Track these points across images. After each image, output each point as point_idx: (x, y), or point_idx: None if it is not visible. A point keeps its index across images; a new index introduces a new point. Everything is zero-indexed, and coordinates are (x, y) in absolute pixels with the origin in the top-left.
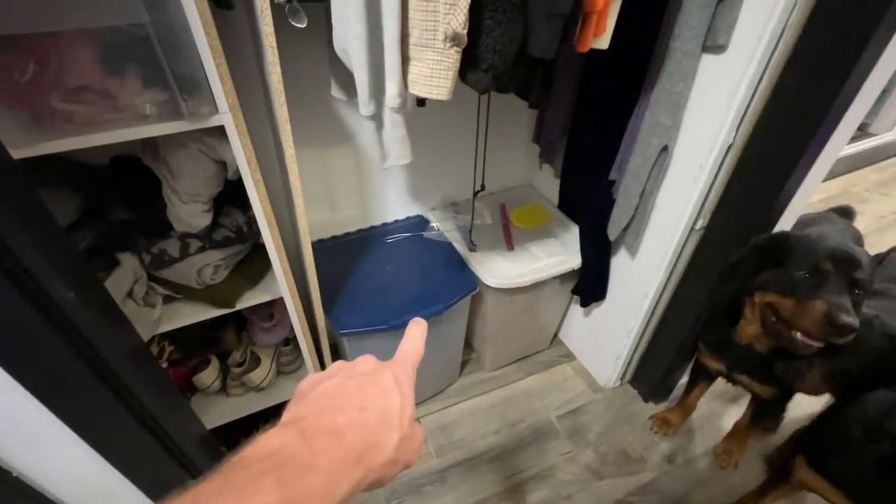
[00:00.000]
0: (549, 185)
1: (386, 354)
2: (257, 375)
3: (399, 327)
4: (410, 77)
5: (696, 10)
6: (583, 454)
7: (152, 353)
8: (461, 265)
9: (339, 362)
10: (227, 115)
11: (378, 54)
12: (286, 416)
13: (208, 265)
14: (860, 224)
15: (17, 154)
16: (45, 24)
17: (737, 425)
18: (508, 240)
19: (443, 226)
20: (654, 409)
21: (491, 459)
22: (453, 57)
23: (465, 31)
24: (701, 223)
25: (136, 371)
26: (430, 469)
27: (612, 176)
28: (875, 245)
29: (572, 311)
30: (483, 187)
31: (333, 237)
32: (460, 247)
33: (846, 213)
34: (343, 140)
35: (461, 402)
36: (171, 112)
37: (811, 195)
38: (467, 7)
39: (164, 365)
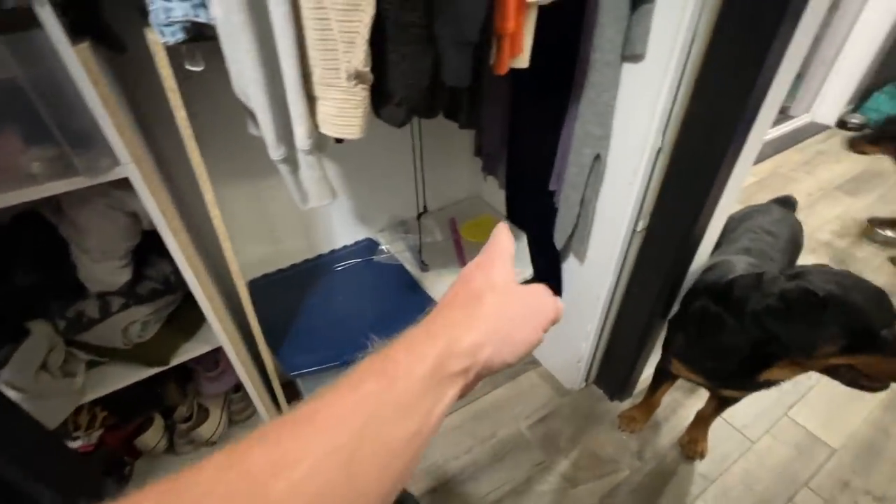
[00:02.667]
0: (496, 196)
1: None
2: (206, 429)
3: (352, 362)
4: (319, 117)
5: (612, 22)
6: (556, 462)
7: (79, 423)
8: (414, 287)
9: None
10: (129, 166)
11: (280, 96)
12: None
13: (135, 322)
14: None
15: None
16: None
17: (699, 414)
18: (460, 255)
19: (393, 247)
20: (620, 406)
21: (465, 481)
22: (360, 94)
23: (368, 69)
24: (642, 225)
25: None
26: (417, 491)
27: (551, 186)
28: (807, 221)
29: None
30: (426, 209)
31: (279, 270)
32: (412, 268)
33: (787, 203)
34: (276, 172)
35: None
36: (65, 168)
37: (741, 185)
38: (365, 44)
39: (99, 432)
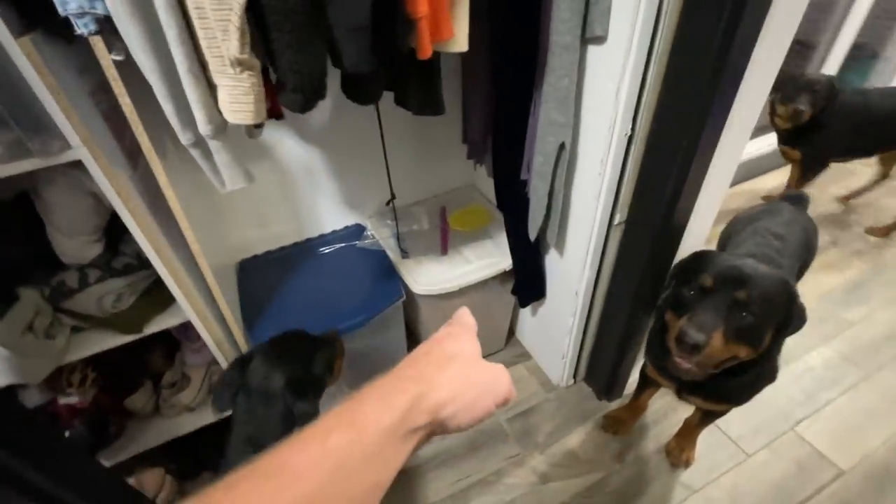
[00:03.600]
0: (489, 184)
1: None
2: (186, 396)
3: None
4: (220, 104)
5: (567, 2)
6: (530, 457)
7: (72, 382)
8: (390, 274)
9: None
10: (81, 149)
11: (178, 84)
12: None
13: (110, 294)
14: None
15: None
16: None
17: (686, 422)
18: (444, 244)
19: (379, 233)
20: (607, 406)
21: (436, 466)
22: (248, 81)
23: (246, 56)
24: (620, 218)
25: None
26: None
27: (522, 175)
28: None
29: (525, 310)
30: (394, 196)
31: (268, 252)
32: (393, 254)
33: (799, 201)
34: (262, 155)
35: None
36: (21, 151)
37: (729, 174)
38: (238, 31)
39: (93, 391)
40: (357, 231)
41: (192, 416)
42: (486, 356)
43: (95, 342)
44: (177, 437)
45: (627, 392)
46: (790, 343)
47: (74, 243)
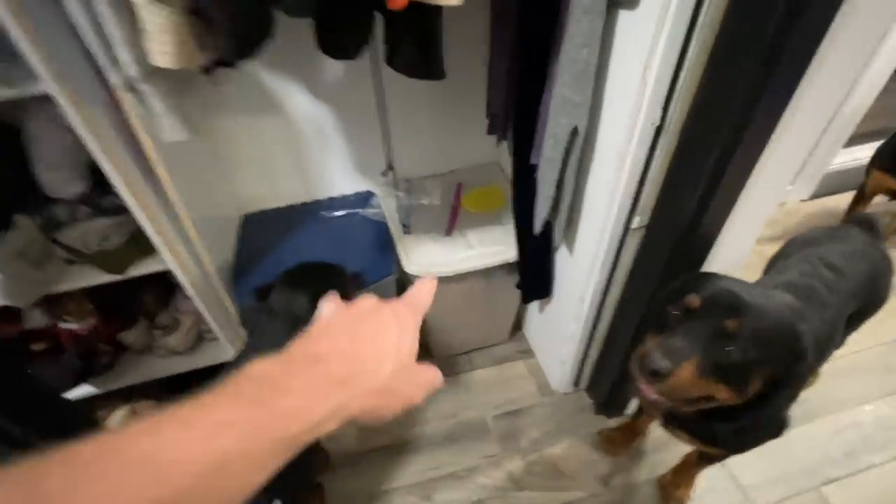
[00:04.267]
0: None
1: None
2: (174, 339)
3: None
4: (145, 44)
5: None
6: (509, 460)
7: (69, 311)
8: (388, 248)
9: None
10: (50, 83)
11: (96, 16)
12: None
13: (96, 232)
14: None
15: None
16: None
17: (686, 457)
18: (451, 224)
19: (386, 204)
20: (604, 422)
21: (411, 450)
22: (168, 18)
23: None
24: (639, 222)
25: None
26: (347, 451)
27: (532, 159)
28: None
29: (533, 305)
30: (391, 167)
31: (275, 209)
32: (395, 228)
33: (868, 224)
34: (269, 108)
35: None
36: None
37: (778, 189)
38: None
39: (92, 321)
40: (366, 198)
41: (180, 359)
42: (484, 348)
43: (83, 277)
44: (167, 377)
45: (629, 412)
46: (836, 389)
47: (57, 177)
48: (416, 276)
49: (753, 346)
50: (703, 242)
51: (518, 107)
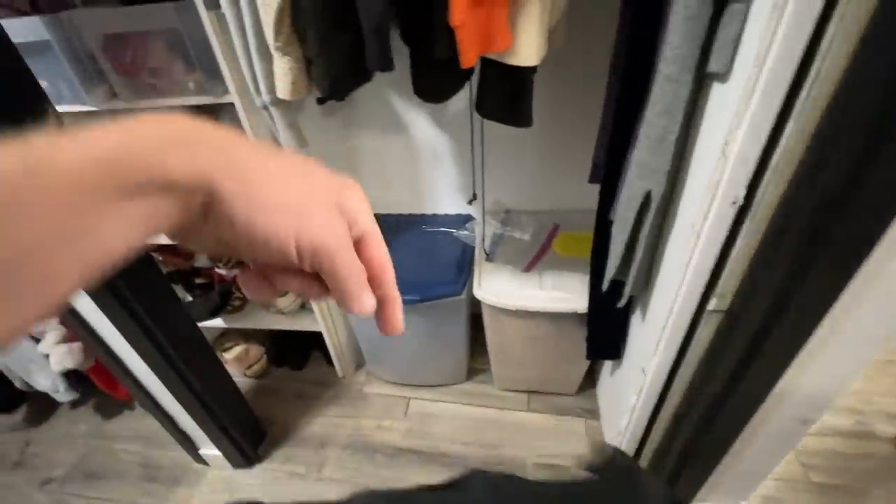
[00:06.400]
0: None
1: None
2: (282, 302)
3: None
4: (275, 80)
5: (680, 23)
6: None
7: (221, 259)
8: (467, 269)
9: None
10: (234, 96)
11: (250, 58)
12: None
13: None
14: None
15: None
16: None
17: None
18: (534, 262)
19: (479, 230)
20: None
21: (444, 464)
22: (288, 64)
23: (281, 44)
24: (716, 304)
25: None
26: (390, 443)
27: (610, 215)
28: None
29: (608, 365)
30: (475, 196)
31: (385, 215)
32: (479, 253)
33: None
34: (396, 129)
35: (453, 403)
36: (203, 89)
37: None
38: (272, 23)
39: (235, 272)
40: (464, 220)
41: (284, 318)
42: (547, 394)
43: None
44: (273, 332)
45: None
46: None
47: None
48: (484, 302)
49: None
50: (789, 342)
51: (608, 162)
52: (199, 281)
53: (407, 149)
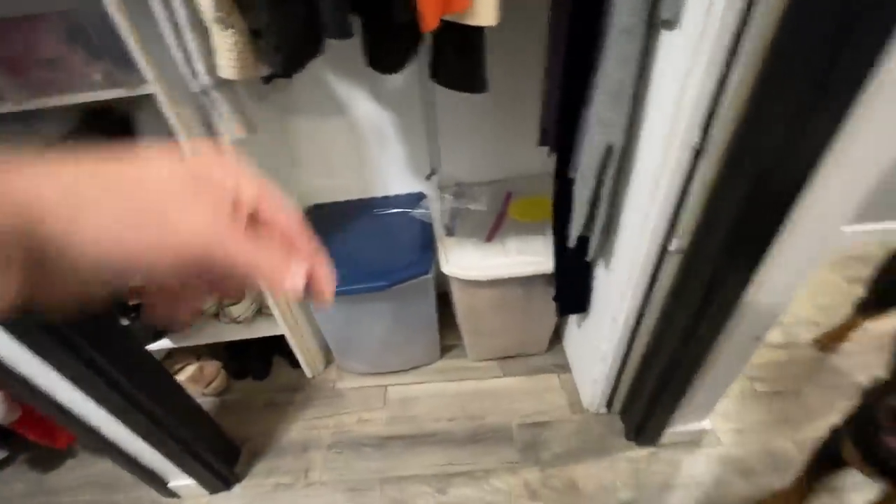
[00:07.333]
0: None
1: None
2: (236, 309)
3: (340, 294)
4: (216, 59)
5: None
6: (527, 469)
7: None
8: (429, 248)
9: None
10: (153, 85)
11: (181, 35)
12: None
13: None
14: None
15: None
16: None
17: None
18: (494, 230)
19: (438, 206)
20: (635, 451)
21: (433, 443)
22: (231, 38)
23: (223, 14)
24: (677, 245)
25: None
26: (374, 433)
27: (570, 173)
28: None
29: (573, 318)
30: (434, 171)
31: (335, 203)
32: (439, 229)
33: None
34: (336, 111)
35: (430, 382)
36: (114, 81)
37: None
38: None
39: None
40: (417, 199)
41: (240, 327)
42: (520, 356)
43: None
44: (229, 343)
45: (666, 441)
46: None
47: None
48: (453, 278)
49: None
50: (744, 272)
51: (561, 122)
52: (133, 302)
53: (350, 130)
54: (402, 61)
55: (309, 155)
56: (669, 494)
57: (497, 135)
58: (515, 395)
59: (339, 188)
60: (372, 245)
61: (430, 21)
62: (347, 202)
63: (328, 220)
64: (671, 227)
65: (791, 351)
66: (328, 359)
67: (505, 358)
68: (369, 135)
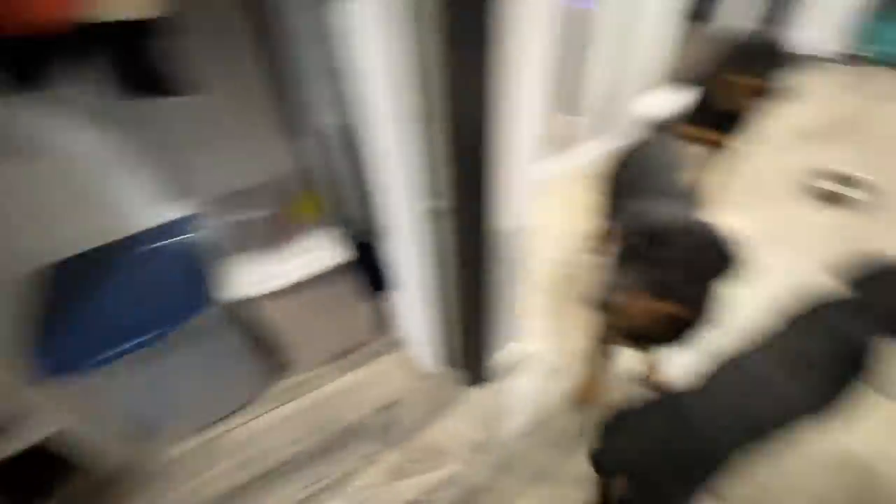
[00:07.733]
0: None
1: None
2: None
3: (100, 364)
4: None
5: None
6: (387, 454)
7: None
8: (207, 277)
9: None
10: None
11: None
12: None
13: None
14: None
15: None
16: None
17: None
18: (279, 236)
19: (213, 223)
20: (477, 392)
21: (290, 471)
22: None
23: None
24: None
25: None
26: (223, 489)
27: (328, 164)
28: None
29: (391, 295)
30: (190, 189)
31: (81, 255)
32: (213, 252)
33: (662, 127)
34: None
35: (270, 411)
36: None
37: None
38: None
39: None
40: (186, 223)
41: None
42: (352, 350)
43: None
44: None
45: (500, 375)
46: None
47: None
48: (247, 300)
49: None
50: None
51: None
52: None
53: (64, 170)
54: (35, 73)
55: (14, 208)
56: (512, 420)
57: (257, 138)
58: (360, 387)
59: (80, 236)
60: (134, 293)
61: (38, 24)
62: (98, 249)
63: (74, 278)
64: (421, 189)
65: (572, 262)
66: (137, 438)
67: (339, 357)
68: (88, 166)
